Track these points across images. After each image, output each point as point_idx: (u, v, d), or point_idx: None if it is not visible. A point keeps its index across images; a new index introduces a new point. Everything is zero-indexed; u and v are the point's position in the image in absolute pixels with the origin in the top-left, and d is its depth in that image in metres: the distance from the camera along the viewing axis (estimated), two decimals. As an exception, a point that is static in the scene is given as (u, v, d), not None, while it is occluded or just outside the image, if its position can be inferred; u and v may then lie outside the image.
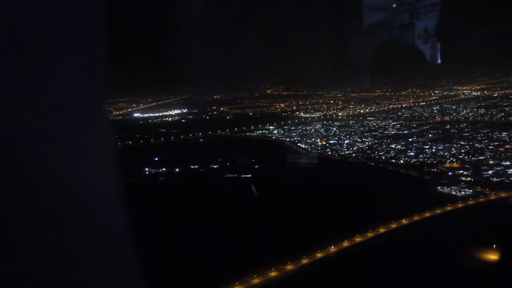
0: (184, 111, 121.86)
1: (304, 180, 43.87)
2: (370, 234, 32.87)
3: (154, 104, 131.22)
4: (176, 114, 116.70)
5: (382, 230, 33.44)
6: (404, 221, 34.60)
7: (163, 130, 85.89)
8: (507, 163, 48.00)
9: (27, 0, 2.06)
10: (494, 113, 79.77)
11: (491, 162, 49.01)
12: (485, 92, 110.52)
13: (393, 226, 33.99)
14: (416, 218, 35.19)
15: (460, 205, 37.57)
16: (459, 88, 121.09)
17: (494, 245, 28.78)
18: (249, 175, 48.59)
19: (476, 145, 57.01)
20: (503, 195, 39.17)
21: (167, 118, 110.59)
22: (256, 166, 52.96)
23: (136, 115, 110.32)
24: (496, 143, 57.00)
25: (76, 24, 2.22)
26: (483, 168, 47.16)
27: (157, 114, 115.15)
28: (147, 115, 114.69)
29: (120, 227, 2.43)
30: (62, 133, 2.10)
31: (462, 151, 54.82)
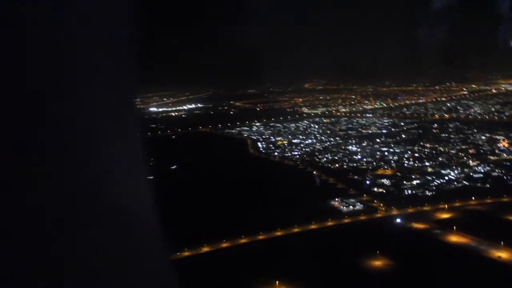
0: (199, 106, 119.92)
1: (208, 183, 40.35)
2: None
3: (184, 98, 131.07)
4: (187, 109, 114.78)
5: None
6: (242, 240, 28.99)
7: (153, 126, 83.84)
8: (447, 171, 39.52)
9: None
10: (506, 110, 67.97)
11: (429, 170, 40.65)
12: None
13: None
14: (260, 237, 29.35)
15: (330, 223, 30.84)
16: (500, 82, 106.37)
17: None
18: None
19: (440, 148, 48.14)
20: (394, 213, 31.66)
21: (173, 113, 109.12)
22: (173, 167, 49.04)
23: (151, 109, 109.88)
24: (464, 147, 47.75)
25: (108, 16, 2.24)
26: (413, 177, 39.16)
27: (168, 109, 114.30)
28: (161, 109, 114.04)
29: (150, 222, 2.35)
30: (92, 127, 2.13)
31: (416, 155, 46.45)
